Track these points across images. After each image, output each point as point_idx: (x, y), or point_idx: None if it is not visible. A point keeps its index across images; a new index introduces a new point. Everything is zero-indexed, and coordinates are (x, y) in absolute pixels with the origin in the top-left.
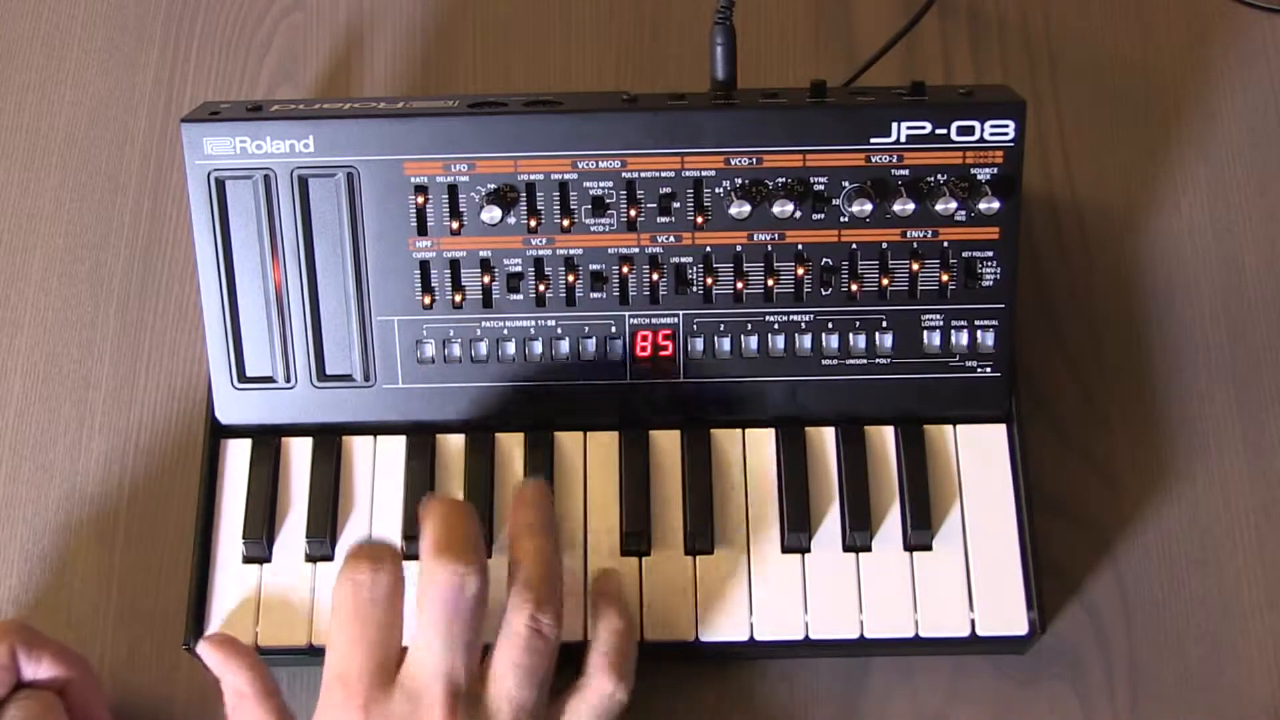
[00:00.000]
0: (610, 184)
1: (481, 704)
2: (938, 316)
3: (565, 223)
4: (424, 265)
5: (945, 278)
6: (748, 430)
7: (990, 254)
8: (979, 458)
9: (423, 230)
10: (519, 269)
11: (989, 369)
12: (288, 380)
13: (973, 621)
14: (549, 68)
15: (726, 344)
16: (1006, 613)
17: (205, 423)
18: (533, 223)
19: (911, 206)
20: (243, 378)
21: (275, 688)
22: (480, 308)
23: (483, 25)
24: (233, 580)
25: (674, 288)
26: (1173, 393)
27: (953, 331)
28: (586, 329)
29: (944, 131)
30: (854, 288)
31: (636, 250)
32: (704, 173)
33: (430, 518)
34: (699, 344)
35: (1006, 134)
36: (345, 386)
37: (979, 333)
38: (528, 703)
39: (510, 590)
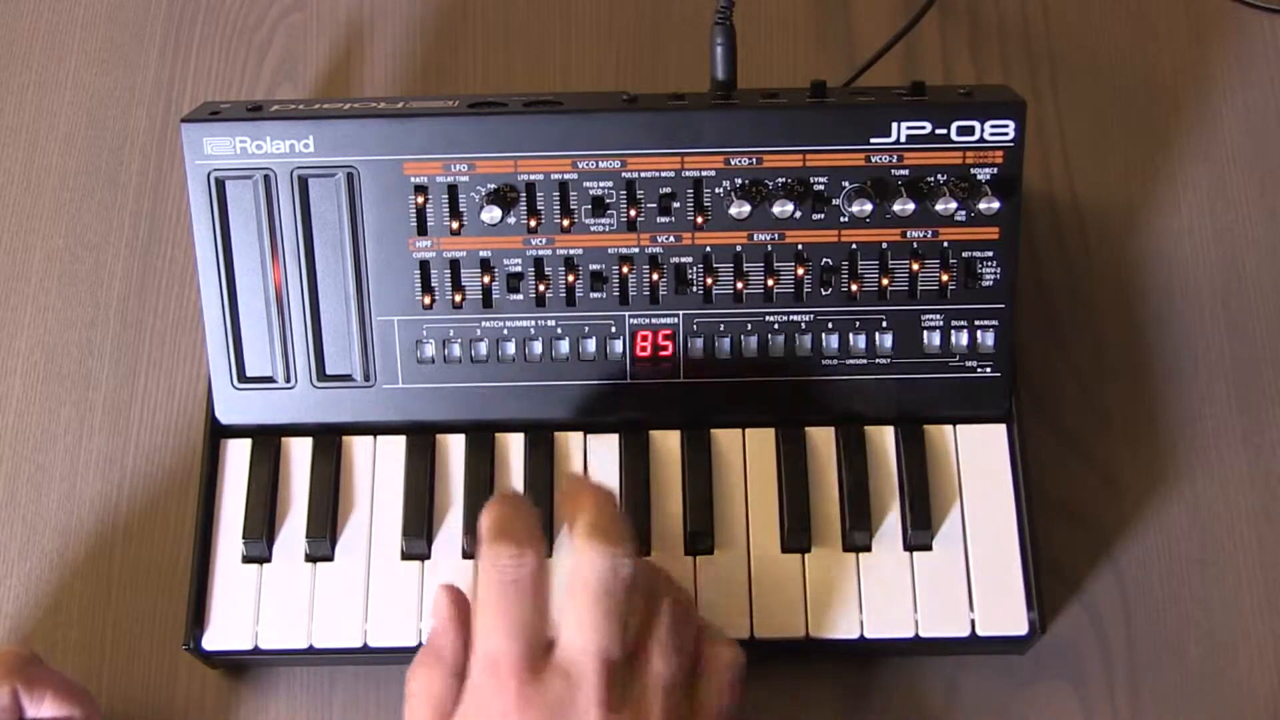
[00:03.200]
0: (610, 184)
1: (634, 686)
2: (938, 316)
3: (565, 223)
4: (424, 265)
5: (945, 278)
6: (748, 430)
7: (990, 254)
8: (979, 458)
9: (423, 230)
10: (519, 269)
11: (989, 369)
12: (288, 380)
13: (973, 621)
14: (549, 68)
15: (726, 344)
16: (1006, 613)
17: (205, 423)
18: (533, 223)
19: (911, 206)
20: (243, 378)
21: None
22: (480, 308)
23: (483, 25)
24: (233, 580)
25: (674, 288)
26: (1173, 393)
27: (953, 331)
28: (586, 329)
29: (944, 131)
30: (854, 288)
31: (636, 250)
32: (704, 173)
33: (581, 505)
34: (699, 344)
35: (1006, 134)
36: (345, 386)
37: (979, 333)
38: (674, 680)
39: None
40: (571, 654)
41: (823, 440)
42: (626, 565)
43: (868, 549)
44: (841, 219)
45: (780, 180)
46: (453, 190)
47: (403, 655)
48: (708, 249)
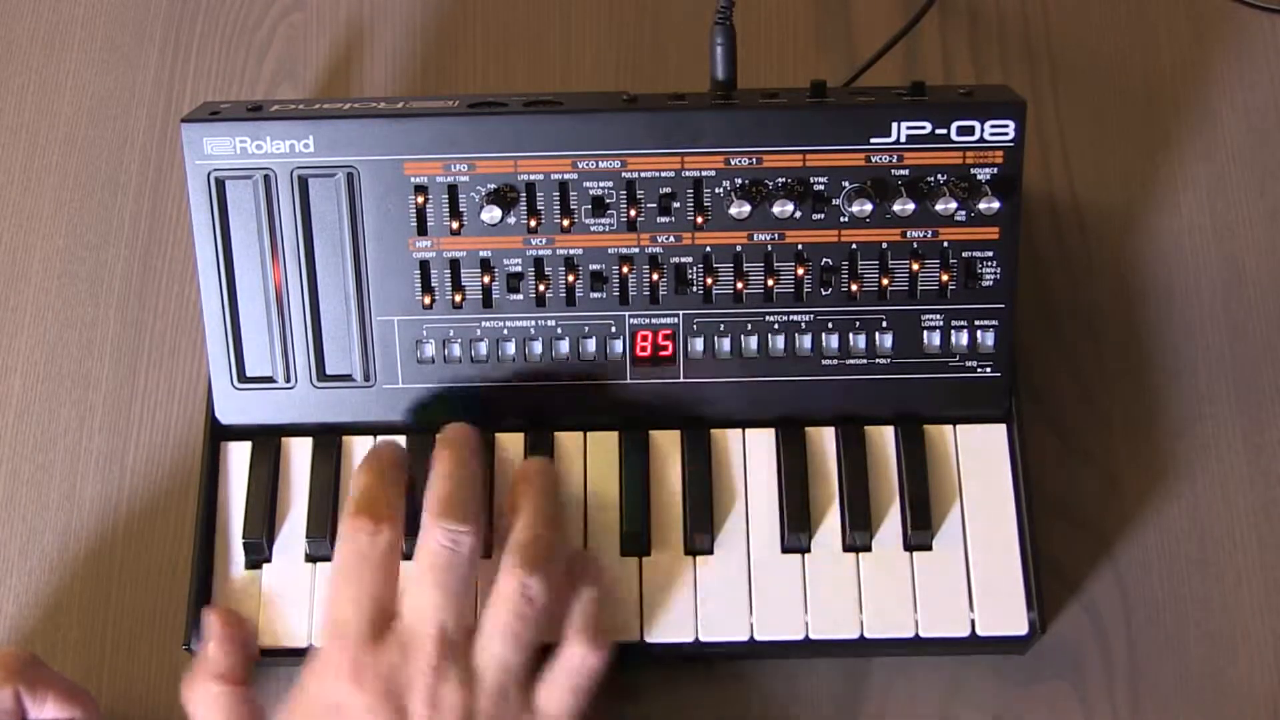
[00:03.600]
0: (610, 184)
1: (468, 662)
2: (938, 316)
3: (565, 223)
4: (424, 265)
5: (945, 278)
6: (748, 430)
7: (990, 254)
8: (979, 458)
9: (423, 230)
10: (519, 269)
11: (989, 369)
12: (288, 380)
13: (973, 621)
14: (549, 68)
15: (726, 344)
16: (1006, 613)
17: (205, 423)
18: (533, 223)
19: (911, 206)
20: (243, 378)
21: (252, 691)
22: (480, 308)
23: (483, 25)
24: (233, 580)
25: (674, 288)
26: (1173, 392)
27: (953, 331)
28: (586, 329)
29: (944, 131)
30: (854, 288)
31: (636, 250)
32: (704, 173)
33: (438, 474)
34: (699, 344)
35: (1006, 134)
36: (345, 386)
37: (979, 333)
38: (512, 665)
39: (503, 552)
40: (410, 623)
41: (823, 440)
42: (467, 542)
43: (868, 549)
44: (841, 219)
45: (780, 180)
46: (453, 190)
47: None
48: (708, 249)
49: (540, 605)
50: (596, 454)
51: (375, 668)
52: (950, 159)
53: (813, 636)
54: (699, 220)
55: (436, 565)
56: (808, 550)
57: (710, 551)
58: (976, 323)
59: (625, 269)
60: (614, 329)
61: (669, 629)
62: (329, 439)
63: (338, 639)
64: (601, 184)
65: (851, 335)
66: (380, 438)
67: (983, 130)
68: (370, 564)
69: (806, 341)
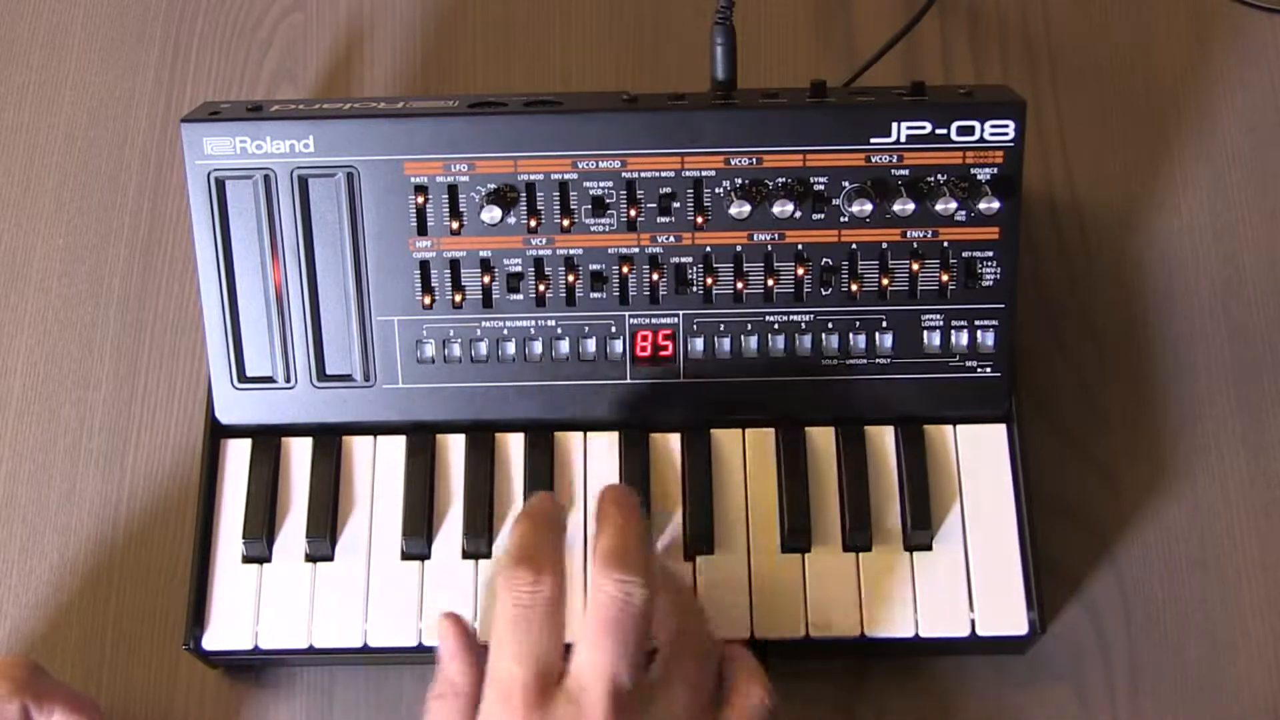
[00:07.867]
0: (610, 184)
1: (644, 713)
2: (938, 316)
3: (565, 223)
4: (424, 265)
5: (945, 278)
6: (748, 430)
7: (990, 254)
8: (979, 458)
9: (423, 230)
10: (519, 269)
11: (989, 369)
12: (288, 380)
13: (973, 621)
14: (549, 68)
15: (726, 344)
16: (1006, 613)
17: (205, 423)
18: (533, 223)
19: (911, 206)
20: (243, 378)
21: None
22: (480, 308)
23: (483, 25)
24: (233, 580)
25: (674, 288)
26: (1173, 392)
27: (953, 331)
28: (586, 329)
29: (944, 131)
30: (854, 288)
31: (636, 250)
32: (704, 173)
33: (606, 528)
34: (699, 344)
35: (1006, 134)
36: (345, 386)
37: (979, 333)
38: (689, 714)
39: (671, 614)
40: (581, 680)
41: (823, 440)
42: (639, 594)
43: (868, 549)
44: (841, 219)
45: (780, 180)
46: (453, 190)
47: (403, 655)
48: (708, 249)
49: (712, 653)
50: (596, 454)
51: None
52: (950, 159)
53: (813, 636)
54: (699, 220)
55: (608, 617)
56: (808, 550)
57: (710, 551)
58: (976, 323)
59: (625, 269)
60: (614, 329)
61: None
62: (329, 439)
63: (507, 698)
64: (601, 184)
65: (851, 335)
66: (537, 493)
67: (982, 130)
68: (534, 617)
69: (806, 341)
